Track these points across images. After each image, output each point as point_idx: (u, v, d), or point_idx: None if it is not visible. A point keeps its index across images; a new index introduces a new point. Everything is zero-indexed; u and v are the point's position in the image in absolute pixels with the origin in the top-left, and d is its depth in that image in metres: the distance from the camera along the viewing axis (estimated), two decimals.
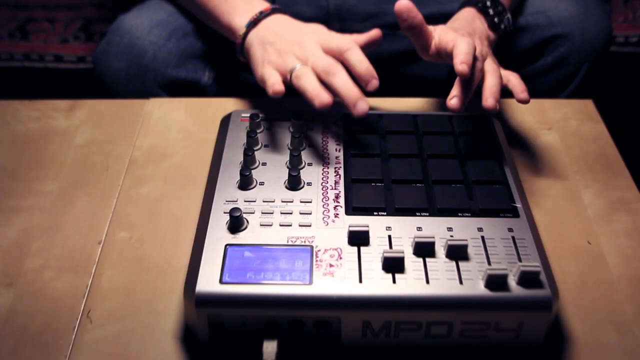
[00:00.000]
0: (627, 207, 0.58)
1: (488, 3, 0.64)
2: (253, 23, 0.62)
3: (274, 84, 0.55)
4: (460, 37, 0.55)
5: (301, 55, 0.57)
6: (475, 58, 0.54)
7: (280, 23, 0.62)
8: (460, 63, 0.52)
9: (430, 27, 0.58)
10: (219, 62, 0.79)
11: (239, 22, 0.63)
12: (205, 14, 0.70)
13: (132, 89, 0.75)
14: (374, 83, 0.54)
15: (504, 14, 0.65)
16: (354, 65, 0.55)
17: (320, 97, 0.53)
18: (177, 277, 0.51)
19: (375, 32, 0.60)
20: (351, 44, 0.57)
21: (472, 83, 0.54)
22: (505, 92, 0.61)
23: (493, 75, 0.55)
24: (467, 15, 0.63)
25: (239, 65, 0.79)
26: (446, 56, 0.56)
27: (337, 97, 0.54)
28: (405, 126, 0.58)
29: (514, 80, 0.58)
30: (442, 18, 0.66)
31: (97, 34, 1.38)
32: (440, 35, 0.57)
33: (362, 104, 0.53)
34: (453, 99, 0.52)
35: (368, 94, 0.54)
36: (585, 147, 0.64)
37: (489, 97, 0.53)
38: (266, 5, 0.63)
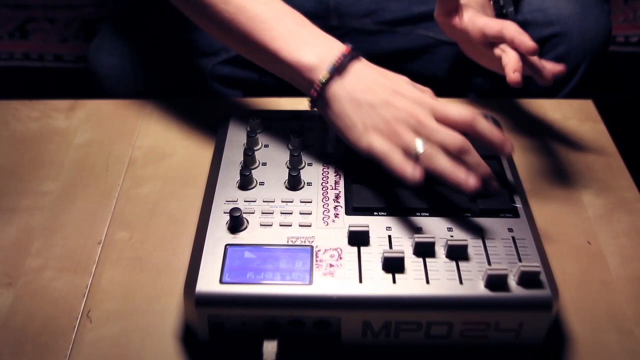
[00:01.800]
0: (627, 207, 0.58)
1: None
2: (337, 69, 0.50)
3: (414, 175, 0.47)
4: (506, 21, 0.56)
5: (417, 127, 0.49)
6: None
7: (369, 75, 0.51)
8: (530, 39, 0.55)
9: None
10: (216, 59, 0.78)
11: (314, 61, 0.51)
12: (252, 44, 0.54)
13: (125, 86, 0.75)
14: (509, 146, 0.49)
15: (509, 4, 0.66)
16: (486, 136, 0.49)
17: (470, 183, 0.46)
18: (177, 277, 0.51)
19: None
20: (472, 112, 0.49)
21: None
22: (505, 92, 0.61)
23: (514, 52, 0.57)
24: (479, 2, 0.63)
25: (240, 62, 0.79)
26: (480, 38, 0.58)
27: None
28: None
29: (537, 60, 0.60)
30: None
31: (97, 34, 1.38)
32: (471, 17, 0.59)
33: (494, 185, 0.50)
34: (516, 73, 0.55)
35: None
36: (585, 147, 0.64)
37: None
38: (345, 46, 0.52)
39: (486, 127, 0.49)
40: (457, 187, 0.47)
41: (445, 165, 0.47)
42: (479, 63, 0.63)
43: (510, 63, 0.56)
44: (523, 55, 0.56)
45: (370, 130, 0.50)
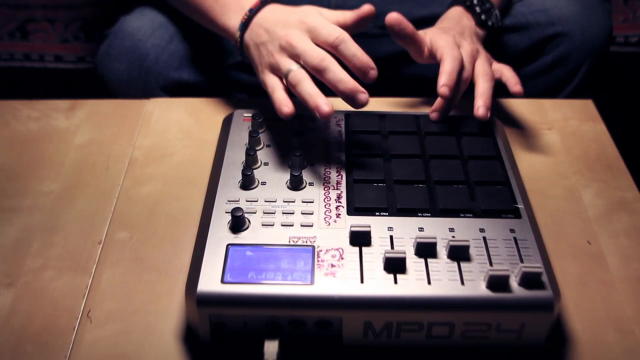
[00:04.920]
0: (627, 207, 0.58)
1: (475, 1, 0.67)
2: (245, 24, 0.59)
3: (282, 105, 0.52)
4: (448, 47, 0.58)
5: (292, 52, 0.54)
6: (461, 70, 0.58)
7: (270, 16, 0.58)
8: (442, 86, 0.56)
9: (421, 32, 0.61)
10: (219, 64, 0.79)
11: (233, 23, 0.60)
12: (200, 17, 0.66)
13: (134, 91, 0.75)
14: (372, 73, 0.52)
15: (492, 10, 0.66)
16: (348, 59, 0.52)
17: (320, 109, 0.50)
18: (177, 277, 0.50)
19: (366, 8, 0.57)
20: (341, 35, 0.53)
21: (454, 99, 0.58)
22: (504, 91, 0.61)
23: (484, 79, 0.58)
24: (455, 14, 0.66)
25: (234, 66, 0.79)
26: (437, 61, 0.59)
27: (334, 94, 0.53)
28: (408, 127, 0.58)
29: (507, 73, 0.60)
30: None
31: (97, 34, 1.37)
32: (431, 39, 0.60)
33: (361, 97, 0.51)
34: (433, 113, 0.58)
35: (369, 91, 0.54)
36: (585, 147, 0.64)
37: (480, 107, 0.57)
38: (255, 1, 0.59)
39: (350, 52, 0.52)
40: (312, 112, 0.51)
41: (305, 90, 0.51)
42: None
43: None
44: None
45: (264, 67, 0.56)
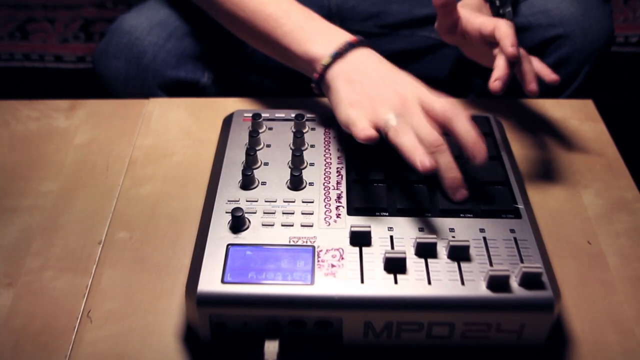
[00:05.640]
0: (627, 207, 0.58)
1: None
2: (339, 54, 0.54)
3: (365, 128, 0.49)
4: (496, 20, 0.56)
5: (400, 110, 0.50)
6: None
7: (370, 61, 0.55)
8: (512, 45, 0.54)
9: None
10: (219, 63, 0.79)
11: (321, 51, 0.55)
12: (268, 41, 0.60)
13: (131, 90, 0.75)
14: (480, 154, 0.48)
15: (506, 5, 0.66)
16: (460, 136, 0.49)
17: (423, 161, 0.46)
18: (177, 277, 0.50)
19: None
20: (457, 110, 0.49)
21: (515, 66, 0.56)
22: (507, 91, 0.61)
23: (526, 60, 0.57)
24: (475, 2, 0.64)
25: (241, 65, 0.79)
26: (478, 38, 0.58)
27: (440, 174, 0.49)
28: None
29: (536, 62, 0.59)
30: None
31: (97, 34, 1.38)
32: (468, 17, 0.59)
33: (462, 192, 0.49)
34: (496, 82, 0.55)
35: None
36: (585, 147, 0.64)
37: (532, 82, 0.56)
38: (351, 37, 0.56)
39: (464, 127, 0.49)
40: (412, 164, 0.47)
41: (408, 141, 0.48)
42: (481, 63, 0.63)
43: (496, 70, 0.56)
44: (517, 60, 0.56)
45: (353, 105, 0.52)
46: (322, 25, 0.58)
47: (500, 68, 0.55)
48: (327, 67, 0.55)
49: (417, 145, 0.48)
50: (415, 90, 0.52)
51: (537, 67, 0.59)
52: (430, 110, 0.50)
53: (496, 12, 0.65)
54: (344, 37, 0.56)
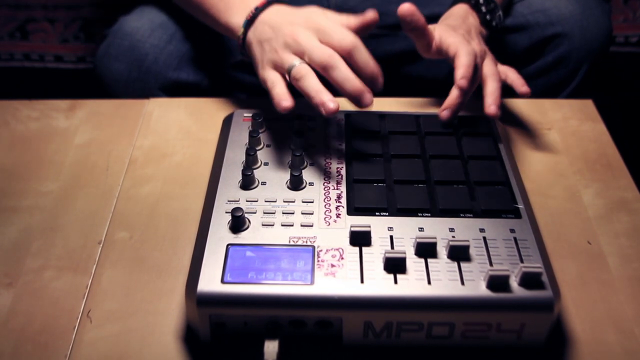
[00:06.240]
0: (627, 207, 0.58)
1: (481, 0, 0.65)
2: (250, 21, 0.58)
3: (281, 100, 0.52)
4: (461, 43, 0.57)
5: (297, 49, 0.53)
6: (475, 67, 0.56)
7: (276, 15, 0.57)
8: (461, 78, 0.55)
9: (430, 27, 0.59)
10: (219, 64, 0.79)
11: (237, 21, 0.60)
12: (202, 14, 0.66)
13: (132, 91, 0.75)
14: (380, 82, 0.51)
15: (495, 10, 0.66)
16: (360, 66, 0.52)
17: (325, 105, 0.50)
18: (177, 277, 0.50)
19: (370, 15, 0.55)
20: (354, 41, 0.52)
21: (468, 94, 0.57)
22: (506, 91, 0.61)
23: (493, 80, 0.57)
24: (461, 12, 0.65)
25: (235, 66, 0.79)
26: (447, 57, 0.57)
27: (339, 93, 0.52)
28: (408, 127, 0.58)
29: (512, 75, 0.60)
30: None
31: (97, 34, 1.38)
32: (441, 35, 0.59)
33: (367, 97, 0.50)
34: (445, 111, 0.56)
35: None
36: (585, 147, 0.64)
37: (491, 104, 0.56)
38: (261, 0, 0.59)
39: (362, 59, 0.51)
40: (316, 109, 0.50)
41: (309, 86, 0.51)
42: None
43: (448, 98, 0.56)
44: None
45: (265, 64, 0.55)
46: None
47: (451, 97, 0.56)
48: (243, 36, 0.59)
49: (319, 88, 0.50)
50: (311, 23, 0.54)
51: (511, 79, 0.60)
52: (329, 43, 0.52)
53: (484, 21, 0.65)
54: (254, 1, 0.59)
